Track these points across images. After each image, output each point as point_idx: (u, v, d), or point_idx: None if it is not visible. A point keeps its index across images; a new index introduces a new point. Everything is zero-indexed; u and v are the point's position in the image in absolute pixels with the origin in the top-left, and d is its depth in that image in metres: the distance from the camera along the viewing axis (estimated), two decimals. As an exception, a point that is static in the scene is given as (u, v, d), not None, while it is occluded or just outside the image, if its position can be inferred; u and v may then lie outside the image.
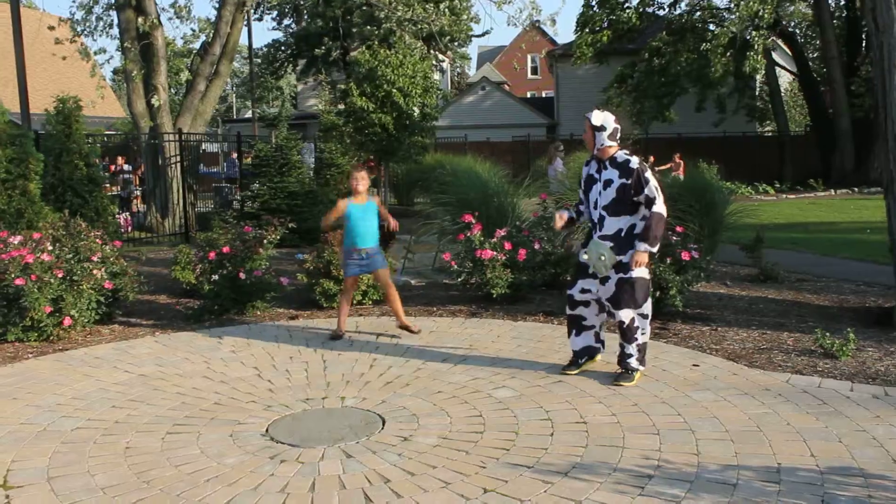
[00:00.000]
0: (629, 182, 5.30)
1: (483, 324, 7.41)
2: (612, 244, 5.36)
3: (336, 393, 5.46)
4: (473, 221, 8.14)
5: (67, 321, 7.00)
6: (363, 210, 6.84)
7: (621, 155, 5.39)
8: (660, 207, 5.28)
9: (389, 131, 17.57)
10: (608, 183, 5.40)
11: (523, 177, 10.56)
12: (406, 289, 8.96)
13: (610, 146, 5.42)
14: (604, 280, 5.45)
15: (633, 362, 5.53)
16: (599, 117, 5.41)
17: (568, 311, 5.72)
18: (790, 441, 4.38)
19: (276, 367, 6.13)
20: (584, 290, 5.57)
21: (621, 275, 5.37)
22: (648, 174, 5.32)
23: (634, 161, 5.35)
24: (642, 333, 5.52)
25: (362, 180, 6.91)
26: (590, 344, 5.74)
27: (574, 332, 5.73)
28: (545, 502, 3.72)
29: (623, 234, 5.38)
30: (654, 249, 5.35)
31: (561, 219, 5.77)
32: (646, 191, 5.28)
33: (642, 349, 5.57)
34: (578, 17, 27.76)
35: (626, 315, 5.43)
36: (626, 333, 5.48)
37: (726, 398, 5.12)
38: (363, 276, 7.61)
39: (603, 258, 5.35)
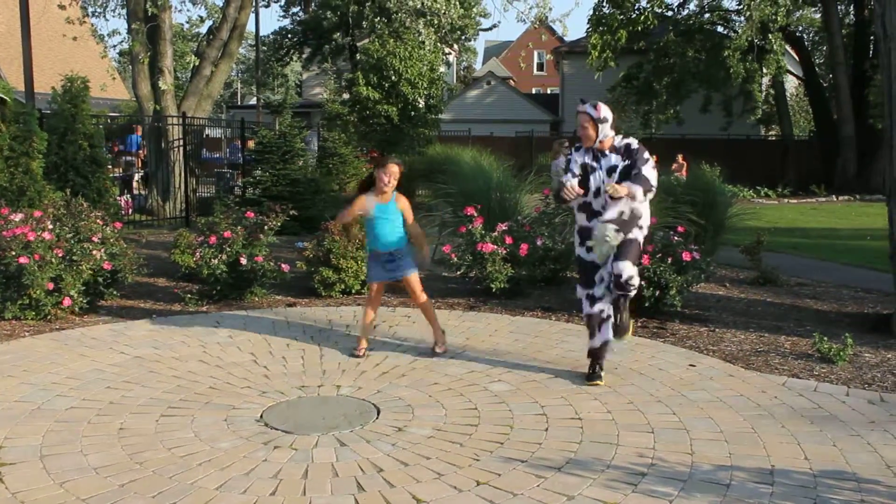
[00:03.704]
0: (629, 162, 5.25)
1: (481, 317, 7.40)
2: (615, 226, 5.21)
3: (332, 381, 5.46)
4: (475, 214, 8.13)
5: (67, 301, 7.00)
6: (384, 209, 5.96)
7: (619, 140, 5.33)
8: (650, 176, 5.17)
9: (394, 122, 17.57)
10: (612, 169, 5.30)
11: (527, 172, 10.53)
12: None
13: (611, 136, 5.35)
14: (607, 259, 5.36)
15: (625, 321, 5.42)
16: (601, 110, 5.29)
17: (590, 310, 5.46)
18: (784, 443, 4.38)
19: (272, 353, 6.13)
20: (600, 281, 5.40)
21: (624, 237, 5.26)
22: (647, 154, 5.26)
23: (634, 142, 5.32)
24: (634, 288, 5.34)
25: (394, 177, 5.94)
26: (607, 338, 5.48)
27: (596, 328, 5.47)
28: (538, 496, 3.72)
29: (625, 215, 5.25)
30: (639, 196, 5.13)
31: (573, 189, 5.31)
32: (642, 168, 5.18)
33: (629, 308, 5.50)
34: (590, 17, 27.54)
35: (626, 268, 5.18)
36: (625, 286, 5.23)
37: (722, 399, 5.11)
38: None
39: (608, 239, 5.19)
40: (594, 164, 5.38)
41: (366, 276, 6.25)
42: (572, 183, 5.31)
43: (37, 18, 16.36)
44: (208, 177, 19.74)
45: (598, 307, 5.46)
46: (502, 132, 33.60)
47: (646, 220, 5.40)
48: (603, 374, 5.50)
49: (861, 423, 4.71)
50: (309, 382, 5.43)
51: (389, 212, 5.97)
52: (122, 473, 3.95)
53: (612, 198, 5.18)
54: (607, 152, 5.34)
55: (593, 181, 5.36)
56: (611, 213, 5.28)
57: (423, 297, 6.15)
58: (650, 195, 5.26)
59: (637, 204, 5.32)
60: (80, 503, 3.64)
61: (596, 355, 5.54)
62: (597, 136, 5.31)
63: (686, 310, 7.46)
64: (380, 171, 5.97)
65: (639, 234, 5.36)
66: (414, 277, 6.09)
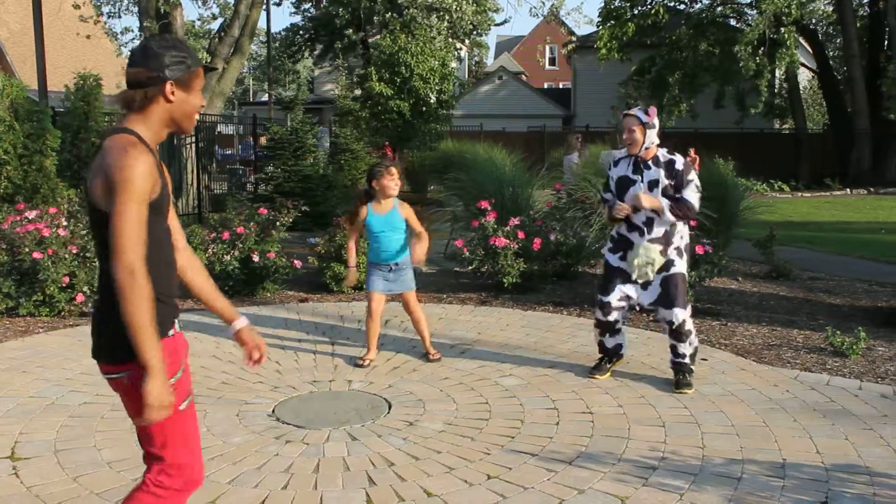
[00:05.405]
0: (673, 182, 5.04)
1: (492, 312, 7.41)
2: (661, 247, 5.09)
3: (343, 376, 5.48)
4: (489, 208, 8.11)
5: (80, 297, 7.04)
6: (384, 222, 5.62)
7: (663, 153, 5.10)
8: (693, 201, 5.04)
9: (406, 118, 17.58)
10: (654, 184, 5.07)
11: (539, 167, 10.51)
12: (416, 275, 8.94)
13: (656, 143, 5.12)
14: (645, 285, 5.18)
15: (688, 361, 5.23)
16: (653, 115, 5.05)
17: (601, 318, 5.32)
18: (796, 437, 4.37)
19: (284, 348, 6.15)
20: (622, 297, 5.25)
21: (665, 272, 5.12)
22: (692, 175, 5.06)
23: (680, 161, 5.08)
24: (694, 333, 5.25)
25: (396, 181, 5.60)
26: (620, 342, 5.46)
27: (607, 335, 5.40)
28: (549, 490, 3.73)
29: (668, 233, 5.13)
30: (667, 214, 5.00)
31: (623, 209, 5.12)
32: (685, 192, 5.03)
33: (696, 350, 5.30)
34: (600, 11, 27.46)
35: (679, 315, 5.11)
36: (679, 333, 5.13)
37: (733, 393, 5.10)
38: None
39: (653, 262, 5.07)
40: (634, 176, 5.15)
41: (365, 284, 5.92)
42: (621, 204, 5.11)
43: (50, 17, 16.44)
44: (220, 173, 19.82)
45: (612, 317, 5.31)
46: (514, 127, 33.48)
47: (685, 239, 5.25)
48: (609, 366, 5.48)
49: (874, 416, 4.70)
50: (320, 377, 5.45)
51: (392, 222, 5.65)
52: (136, 468, 3.96)
53: (639, 208, 5.01)
54: (650, 163, 5.11)
55: (631, 194, 5.13)
56: (656, 233, 5.11)
57: (419, 313, 5.84)
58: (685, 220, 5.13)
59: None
60: (94, 497, 3.67)
61: (606, 351, 5.51)
62: (644, 141, 5.05)
63: (698, 303, 7.43)
64: (382, 179, 5.57)
65: (682, 265, 5.19)
66: (411, 295, 5.81)
